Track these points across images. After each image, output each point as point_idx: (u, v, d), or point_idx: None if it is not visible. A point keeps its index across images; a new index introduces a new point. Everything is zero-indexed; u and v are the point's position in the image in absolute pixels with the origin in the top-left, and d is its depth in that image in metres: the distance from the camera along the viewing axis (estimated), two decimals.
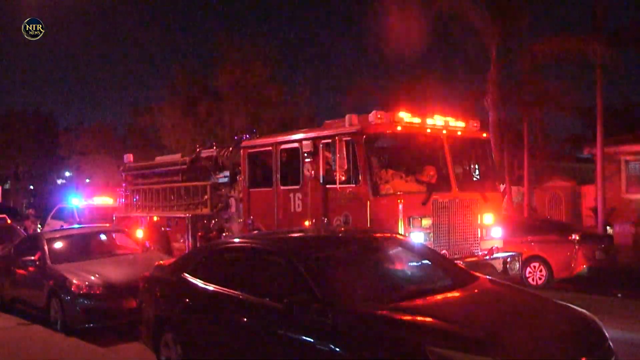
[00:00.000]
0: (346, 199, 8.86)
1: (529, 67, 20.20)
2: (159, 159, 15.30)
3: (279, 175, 10.28)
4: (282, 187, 10.17)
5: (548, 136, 28.28)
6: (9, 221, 19.46)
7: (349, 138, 8.78)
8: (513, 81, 22.22)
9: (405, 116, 9.31)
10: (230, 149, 11.88)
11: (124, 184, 15.09)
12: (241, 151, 11.21)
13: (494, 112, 19.89)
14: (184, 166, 13.20)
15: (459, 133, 9.81)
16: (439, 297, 5.07)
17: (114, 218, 15.59)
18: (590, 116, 21.13)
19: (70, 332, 8.64)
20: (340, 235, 6.92)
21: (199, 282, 6.04)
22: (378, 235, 6.76)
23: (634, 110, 34.42)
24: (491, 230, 9.64)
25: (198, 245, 11.55)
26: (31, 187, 52.77)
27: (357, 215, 8.72)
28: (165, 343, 6.17)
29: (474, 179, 10.55)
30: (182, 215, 12.53)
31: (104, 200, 21.61)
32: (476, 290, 5.39)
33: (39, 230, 20.96)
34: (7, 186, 50.84)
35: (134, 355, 7.50)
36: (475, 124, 10.11)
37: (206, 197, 12.24)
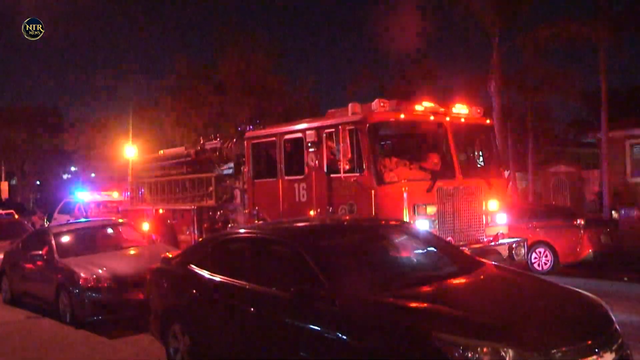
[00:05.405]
0: (350, 188, 8.85)
1: (532, 52, 20.11)
2: (163, 151, 15.35)
3: (283, 166, 10.28)
4: (286, 178, 10.18)
5: (552, 121, 28.19)
6: (16, 216, 19.61)
7: (352, 127, 8.76)
8: (516, 66, 22.15)
9: (408, 104, 9.30)
10: (234, 140, 11.89)
11: (129, 178, 15.19)
12: (245, 142, 11.20)
13: (497, 98, 19.83)
14: (189, 158, 13.25)
15: (463, 120, 9.78)
16: (445, 283, 5.09)
17: (120, 211, 15.68)
18: (595, 101, 21.02)
19: (79, 325, 8.73)
20: (345, 223, 6.92)
21: (206, 273, 6.07)
22: (383, 223, 6.77)
23: (639, 94, 34.18)
24: (496, 217, 9.63)
25: (204, 236, 11.60)
26: (37, 182, 52.99)
27: (361, 204, 8.71)
28: (174, 334, 6.22)
29: (478, 165, 10.52)
30: (188, 208, 12.58)
31: (110, 194, 21.75)
32: (482, 277, 5.40)
33: (45, 225, 21.12)
34: (13, 182, 51.09)
35: (143, 346, 7.56)
36: (478, 111, 10.09)
37: (211, 188, 12.26)
